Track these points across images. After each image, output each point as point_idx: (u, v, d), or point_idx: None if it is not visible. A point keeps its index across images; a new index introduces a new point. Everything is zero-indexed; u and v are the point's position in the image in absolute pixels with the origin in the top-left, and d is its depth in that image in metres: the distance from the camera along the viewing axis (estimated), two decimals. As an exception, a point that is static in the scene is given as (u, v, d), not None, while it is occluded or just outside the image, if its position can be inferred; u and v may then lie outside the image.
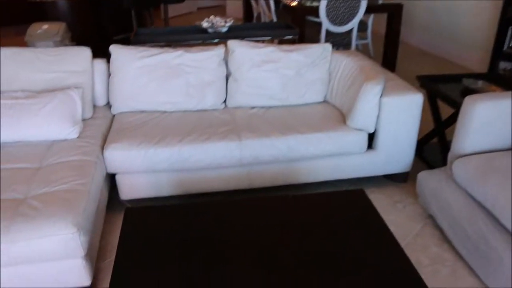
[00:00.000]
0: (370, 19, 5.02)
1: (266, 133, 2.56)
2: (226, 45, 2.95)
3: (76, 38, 4.34)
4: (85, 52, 2.80)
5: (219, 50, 2.91)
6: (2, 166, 2.26)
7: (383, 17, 5.08)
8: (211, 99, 2.90)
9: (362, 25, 4.79)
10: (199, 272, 1.55)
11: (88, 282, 1.96)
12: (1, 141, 2.46)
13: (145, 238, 1.72)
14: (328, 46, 2.96)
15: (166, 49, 2.91)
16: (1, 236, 1.79)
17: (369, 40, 5.15)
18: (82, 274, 1.93)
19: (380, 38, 5.66)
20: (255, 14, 5.79)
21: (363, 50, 5.40)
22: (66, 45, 4.07)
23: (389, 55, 4.65)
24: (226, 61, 2.96)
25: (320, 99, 2.98)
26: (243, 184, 2.65)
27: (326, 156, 2.63)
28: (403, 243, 2.32)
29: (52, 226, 1.82)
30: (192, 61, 2.88)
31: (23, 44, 3.66)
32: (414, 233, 2.39)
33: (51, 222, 1.83)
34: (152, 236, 1.73)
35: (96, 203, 2.17)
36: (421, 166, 2.99)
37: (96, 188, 2.21)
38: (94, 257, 2.07)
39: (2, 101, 2.51)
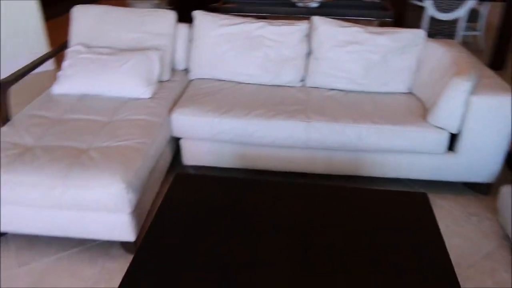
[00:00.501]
0: (485, 8, 4.52)
1: (337, 118, 2.42)
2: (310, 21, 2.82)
3: (174, 2, 4.43)
4: (170, 15, 2.83)
5: (303, 26, 2.79)
6: (78, 116, 2.38)
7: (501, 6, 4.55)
8: (288, 76, 2.80)
9: (474, 14, 4.33)
10: (232, 247, 1.50)
11: (132, 238, 2.01)
12: (82, 93, 2.59)
13: (187, 205, 1.71)
14: (421, 32, 2.70)
15: (248, 19, 2.85)
16: (59, 180, 1.89)
17: (481, 32, 4.66)
18: (127, 229, 1.98)
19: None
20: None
21: (473, 43, 4.90)
22: (162, 8, 4.18)
23: (499, 50, 4.16)
24: (309, 37, 2.83)
25: (405, 89, 2.74)
26: (306, 168, 2.55)
27: (399, 152, 2.43)
28: (468, 261, 2.08)
29: (104, 179, 1.88)
30: (274, 34, 2.79)
31: (124, 5, 3.82)
32: (484, 252, 2.13)
33: (104, 175, 1.89)
34: (194, 205, 1.71)
35: (153, 164, 2.21)
36: (509, 179, 2.65)
37: (156, 149, 2.24)
38: (143, 215, 2.12)
39: (87, 55, 2.63)
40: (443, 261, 1.48)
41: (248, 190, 1.82)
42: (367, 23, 3.50)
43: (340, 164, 2.51)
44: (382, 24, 3.62)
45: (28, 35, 4.01)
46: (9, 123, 2.30)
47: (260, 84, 2.83)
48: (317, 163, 2.53)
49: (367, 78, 2.71)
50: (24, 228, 2.06)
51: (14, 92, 3.62)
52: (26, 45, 4.00)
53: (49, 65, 4.02)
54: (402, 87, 2.73)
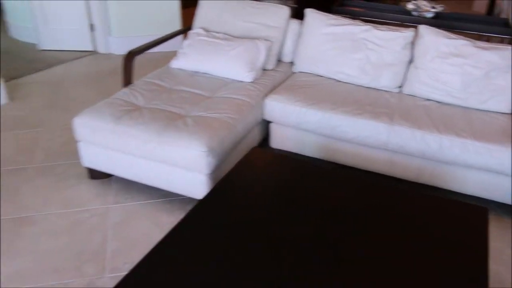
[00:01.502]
0: None
1: (420, 125, 2.43)
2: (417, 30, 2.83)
3: (300, 1, 4.65)
4: (284, 11, 3.05)
5: (408, 33, 2.81)
6: (185, 88, 2.72)
7: None
8: (385, 81, 2.85)
9: None
10: (279, 224, 1.64)
11: (206, 198, 2.27)
12: (194, 70, 2.93)
13: (253, 176, 1.90)
14: (535, 53, 2.56)
15: (356, 21, 2.95)
16: (154, 136, 2.23)
17: None
18: (202, 188, 2.25)
19: None
20: (496, 11, 5.20)
21: None
22: (287, 4, 4.43)
23: None
24: (413, 45, 2.85)
25: (507, 110, 2.62)
26: (383, 169, 2.60)
27: (482, 170, 2.36)
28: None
29: (190, 141, 2.17)
30: (377, 38, 2.86)
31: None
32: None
33: (191, 137, 2.18)
34: (259, 177, 1.89)
35: (238, 138, 2.45)
36: None
37: (243, 126, 2.48)
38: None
39: (205, 38, 2.97)
40: (478, 280, 1.48)
41: (314, 175, 1.95)
42: (486, 39, 3.37)
43: (418, 171, 2.51)
44: (505, 42, 3.44)
45: (168, 18, 4.56)
46: (130, 85, 2.72)
47: (357, 85, 2.92)
48: (395, 167, 2.56)
49: (465, 92, 2.65)
50: (125, 174, 2.45)
51: (145, 63, 4.17)
52: (165, 26, 4.55)
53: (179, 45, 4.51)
54: (503, 107, 2.62)
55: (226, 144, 2.31)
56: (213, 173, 2.26)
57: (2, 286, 2.00)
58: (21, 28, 4.96)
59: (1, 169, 2.74)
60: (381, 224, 1.67)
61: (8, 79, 3.94)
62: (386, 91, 2.87)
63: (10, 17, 5.04)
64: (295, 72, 3.11)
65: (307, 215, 1.69)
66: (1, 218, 2.35)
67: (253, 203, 1.74)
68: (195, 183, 2.27)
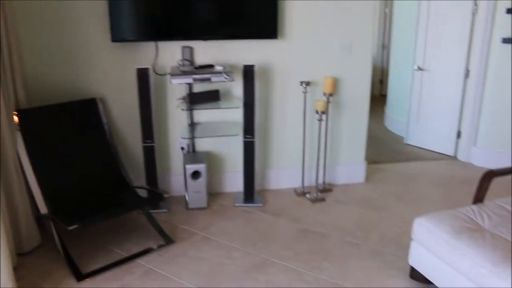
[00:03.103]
0: None
1: None
2: None
3: None
4: None
5: None
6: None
7: None
8: None
9: None
10: None
11: None
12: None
13: None
14: None
15: None
16: (488, 264, 2.15)
17: None
18: None
19: None
20: None
21: None
22: None
23: None
24: None
25: None
26: None
27: None
28: None
29: (527, 285, 1.99)
30: None
31: None
32: None
33: (529, 281, 2.00)
34: None
35: None
36: None
37: None
38: None
39: None
40: None
41: None
42: None
43: None
44: None
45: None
46: (479, 204, 2.70)
47: None
48: None
49: None
50: (444, 286, 2.44)
51: (501, 182, 3.96)
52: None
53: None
54: None
55: None
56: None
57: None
58: (395, 121, 5.59)
59: (342, 238, 3.18)
60: None
61: (371, 162, 4.50)
62: None
63: (390, 110, 5.76)
64: None
65: None
66: (324, 278, 2.73)
67: None
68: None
